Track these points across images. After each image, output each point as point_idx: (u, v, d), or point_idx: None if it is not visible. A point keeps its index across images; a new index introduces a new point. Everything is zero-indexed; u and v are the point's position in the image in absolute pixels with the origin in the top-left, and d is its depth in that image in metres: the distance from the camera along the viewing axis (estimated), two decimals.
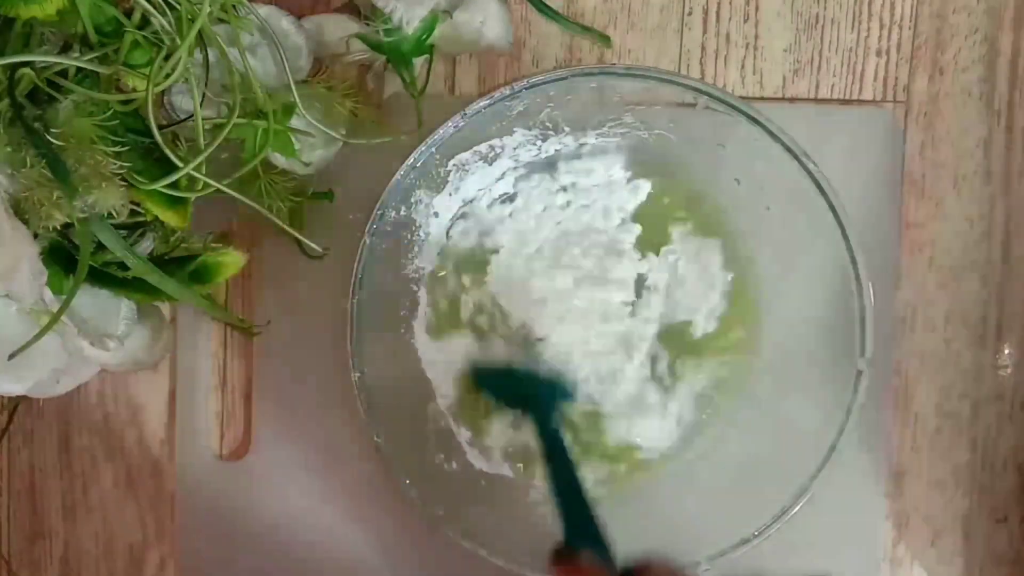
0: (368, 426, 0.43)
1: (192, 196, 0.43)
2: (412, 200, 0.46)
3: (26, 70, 0.40)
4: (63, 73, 0.41)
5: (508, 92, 0.42)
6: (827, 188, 0.42)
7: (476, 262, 0.50)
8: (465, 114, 0.42)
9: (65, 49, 0.42)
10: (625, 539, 0.48)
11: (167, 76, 0.41)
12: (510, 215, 0.50)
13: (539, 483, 0.50)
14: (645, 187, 0.50)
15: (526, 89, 0.42)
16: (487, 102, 0.42)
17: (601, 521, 0.39)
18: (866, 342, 0.43)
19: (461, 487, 0.49)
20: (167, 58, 0.41)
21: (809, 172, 0.42)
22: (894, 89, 0.52)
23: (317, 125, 0.45)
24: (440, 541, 0.46)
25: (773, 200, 0.47)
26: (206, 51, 0.43)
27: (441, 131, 0.42)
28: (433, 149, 0.43)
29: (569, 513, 0.40)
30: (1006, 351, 0.53)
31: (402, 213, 0.45)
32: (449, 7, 0.46)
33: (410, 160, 0.42)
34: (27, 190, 0.40)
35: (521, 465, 0.50)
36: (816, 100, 0.52)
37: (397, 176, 0.43)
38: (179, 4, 0.41)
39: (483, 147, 0.47)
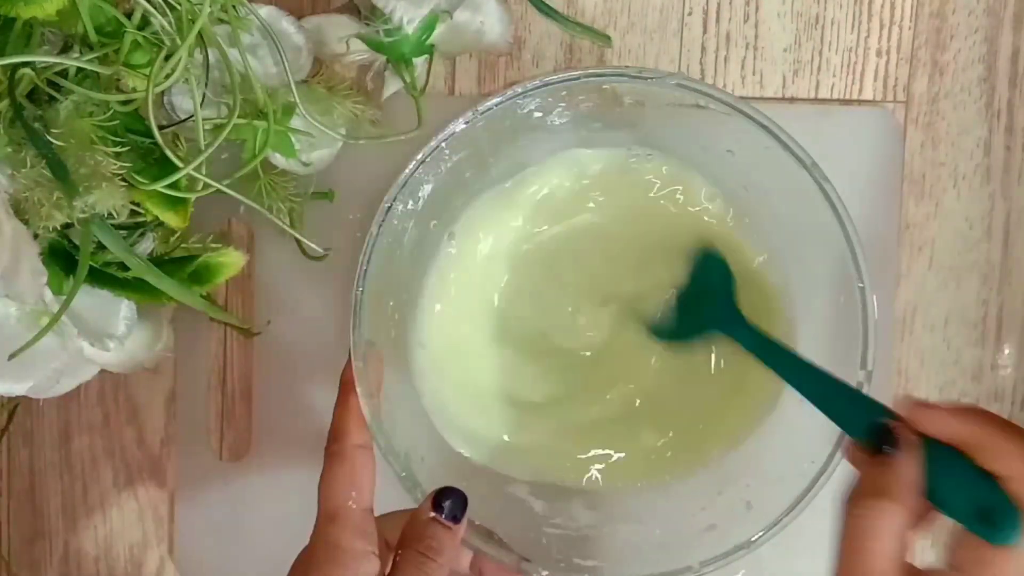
0: (367, 422, 0.43)
1: (192, 196, 0.43)
2: (420, 195, 0.46)
3: (26, 70, 0.40)
4: (63, 73, 0.41)
5: (520, 91, 0.42)
6: (832, 195, 0.42)
7: None
8: (476, 111, 0.42)
9: (65, 49, 0.42)
10: (623, 540, 0.48)
11: (167, 76, 0.41)
12: None
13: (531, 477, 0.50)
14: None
15: (538, 88, 0.42)
16: (499, 99, 0.42)
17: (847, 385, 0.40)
18: (868, 354, 0.42)
19: (462, 484, 0.49)
20: (167, 58, 0.41)
21: (815, 179, 0.42)
22: (894, 89, 0.52)
23: (317, 125, 0.45)
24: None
25: (775, 202, 0.47)
26: (206, 51, 0.43)
27: (451, 127, 0.42)
28: (443, 144, 0.43)
29: (825, 399, 0.40)
30: (1006, 351, 0.53)
31: (409, 207, 0.45)
32: (449, 7, 0.46)
33: (420, 155, 0.43)
34: (27, 190, 0.40)
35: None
36: (816, 100, 0.52)
37: (406, 171, 0.43)
38: (179, 4, 0.41)
39: None
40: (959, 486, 0.36)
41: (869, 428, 0.37)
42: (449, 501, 0.40)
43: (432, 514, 0.40)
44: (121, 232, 0.44)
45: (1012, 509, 0.35)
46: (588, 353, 0.50)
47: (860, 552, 0.35)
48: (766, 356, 0.44)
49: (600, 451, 0.50)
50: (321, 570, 0.39)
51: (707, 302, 0.47)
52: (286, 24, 0.46)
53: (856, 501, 0.36)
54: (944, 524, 0.37)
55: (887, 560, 0.35)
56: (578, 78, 0.42)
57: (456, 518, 0.40)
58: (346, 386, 0.42)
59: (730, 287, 0.47)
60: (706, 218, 0.49)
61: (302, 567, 0.40)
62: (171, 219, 0.43)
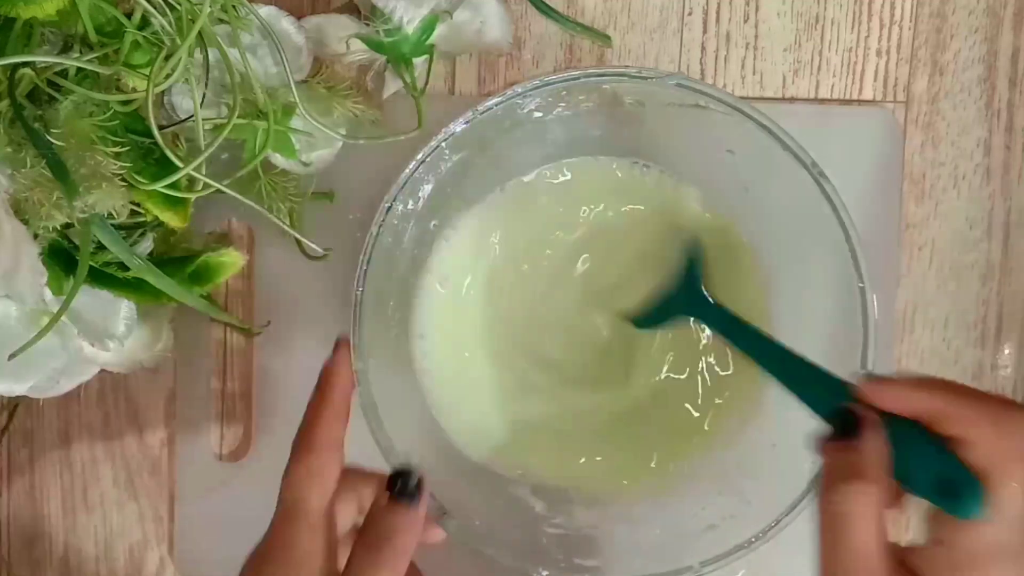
0: (367, 420, 0.43)
1: (192, 196, 0.43)
2: (420, 195, 0.46)
3: (26, 70, 0.40)
4: (63, 73, 0.41)
5: (520, 91, 0.42)
6: (833, 195, 0.42)
7: None
8: (476, 111, 0.42)
9: (65, 49, 0.42)
10: (623, 540, 0.48)
11: (167, 76, 0.41)
12: None
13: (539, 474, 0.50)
14: None
15: (538, 88, 0.42)
16: (499, 99, 0.42)
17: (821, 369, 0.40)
18: (868, 354, 0.42)
19: (463, 484, 0.49)
20: (167, 58, 0.41)
21: (815, 179, 0.42)
22: (894, 89, 0.52)
23: (317, 125, 0.45)
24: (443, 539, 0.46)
25: (775, 202, 0.47)
26: (206, 51, 0.43)
27: (452, 126, 0.42)
28: (443, 144, 0.43)
29: (796, 382, 0.40)
30: (1006, 351, 0.53)
31: (408, 207, 0.45)
32: (449, 7, 0.46)
33: (420, 155, 0.43)
34: (27, 190, 0.40)
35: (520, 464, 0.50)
36: (816, 100, 0.52)
37: (406, 171, 0.43)
38: (179, 4, 0.41)
39: None
40: (920, 462, 0.35)
41: (833, 411, 0.37)
42: (401, 480, 0.39)
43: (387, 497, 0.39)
44: (121, 232, 0.44)
45: (972, 481, 0.34)
46: (580, 359, 0.50)
47: (842, 538, 0.34)
48: (733, 336, 0.44)
49: (590, 456, 0.50)
50: (274, 571, 0.38)
51: (677, 287, 0.48)
52: (286, 24, 0.46)
53: (829, 488, 0.35)
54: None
55: (870, 541, 0.34)
56: (578, 78, 0.42)
57: (412, 497, 0.39)
58: (327, 377, 0.41)
59: (697, 271, 0.47)
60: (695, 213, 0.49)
61: (256, 564, 0.39)
62: (171, 219, 0.43)
